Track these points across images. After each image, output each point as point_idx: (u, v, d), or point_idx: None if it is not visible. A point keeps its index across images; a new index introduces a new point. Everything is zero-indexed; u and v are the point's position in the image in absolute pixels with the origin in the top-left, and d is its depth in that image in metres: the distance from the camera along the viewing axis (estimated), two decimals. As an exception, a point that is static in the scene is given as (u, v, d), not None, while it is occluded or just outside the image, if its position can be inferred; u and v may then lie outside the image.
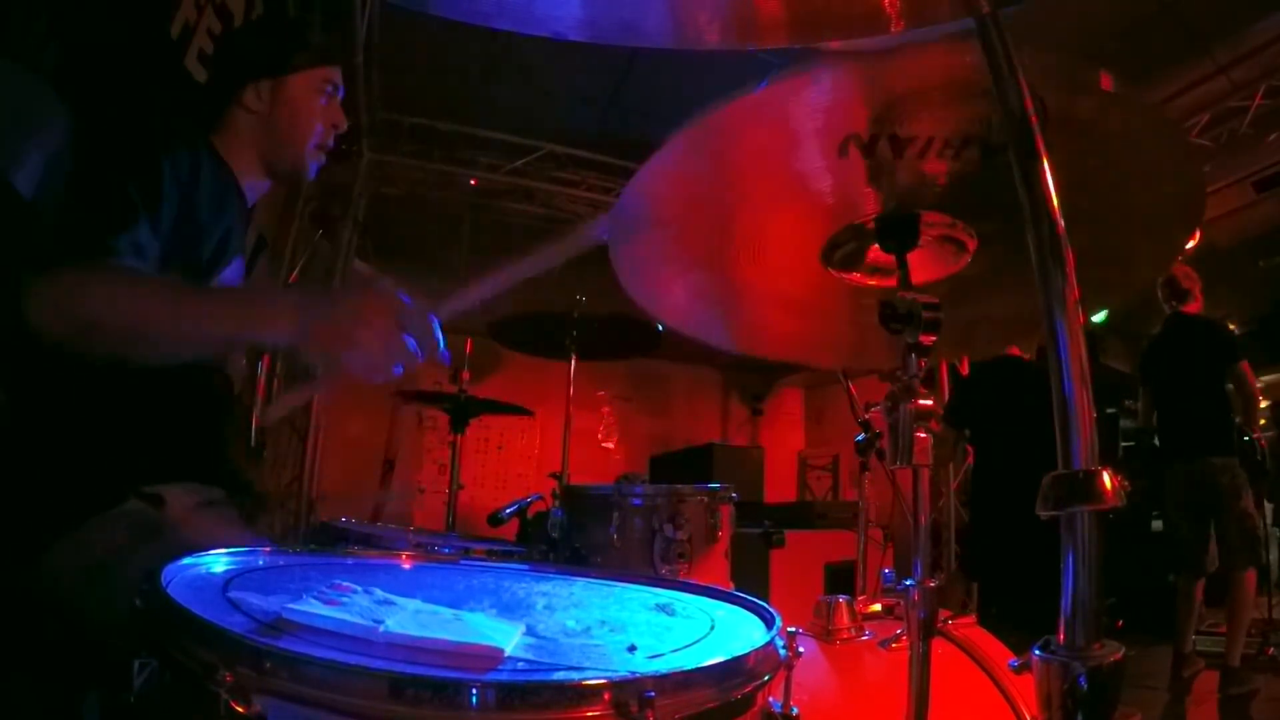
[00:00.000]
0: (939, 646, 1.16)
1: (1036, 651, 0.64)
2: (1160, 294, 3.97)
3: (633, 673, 0.55)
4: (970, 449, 4.63)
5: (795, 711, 0.69)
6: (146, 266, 1.12)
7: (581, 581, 0.97)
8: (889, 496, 1.15)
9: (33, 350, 1.05)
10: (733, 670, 0.60)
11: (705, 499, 1.58)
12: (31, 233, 1.48)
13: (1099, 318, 5.53)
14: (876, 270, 1.04)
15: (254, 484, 1.49)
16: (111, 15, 1.92)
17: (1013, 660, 1.12)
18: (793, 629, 0.72)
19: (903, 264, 0.96)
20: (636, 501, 1.56)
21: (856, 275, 1.05)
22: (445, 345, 1.07)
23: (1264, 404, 3.91)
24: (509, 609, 0.76)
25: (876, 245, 1.00)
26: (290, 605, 0.62)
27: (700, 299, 1.22)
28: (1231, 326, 4.24)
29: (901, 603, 0.86)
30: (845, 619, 1.19)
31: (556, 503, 1.74)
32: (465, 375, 3.08)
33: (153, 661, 0.57)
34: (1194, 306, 3.90)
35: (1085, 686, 0.61)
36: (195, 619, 0.56)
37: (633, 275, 1.12)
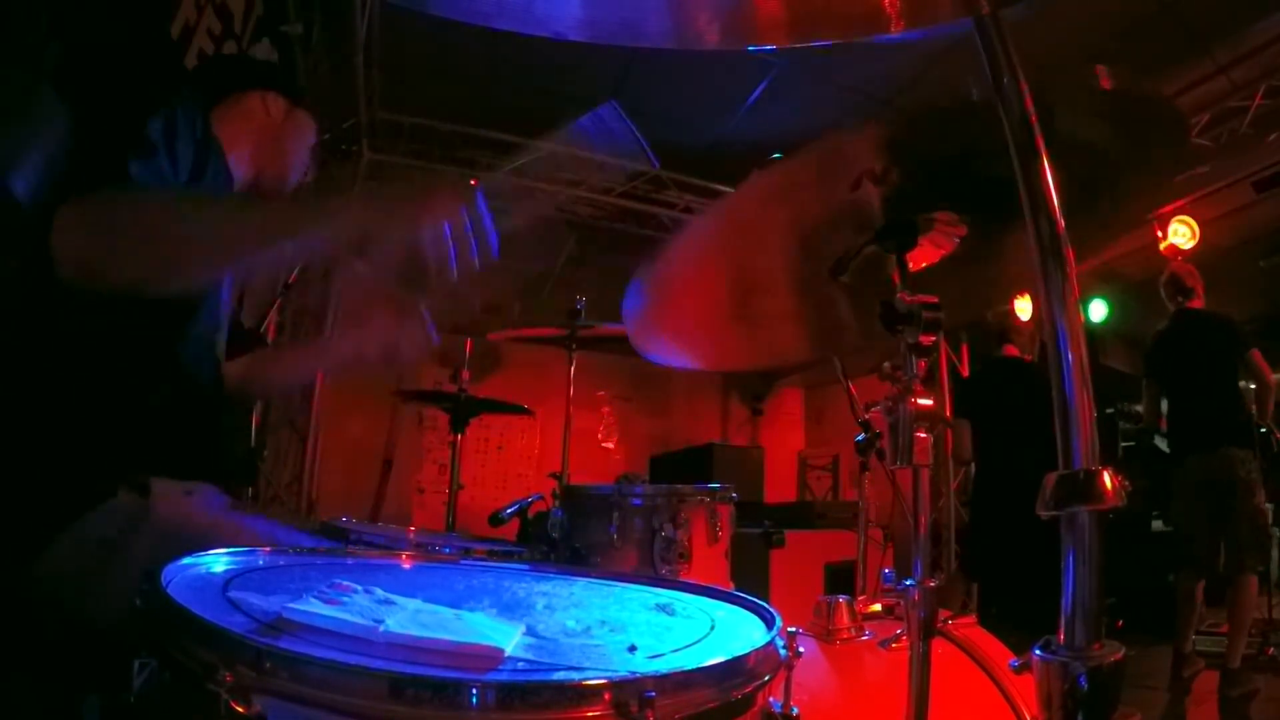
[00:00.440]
0: (939, 646, 1.16)
1: (1037, 651, 0.64)
2: (1164, 292, 3.97)
3: (633, 673, 0.55)
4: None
5: (795, 711, 0.69)
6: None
7: (582, 581, 0.97)
8: (889, 496, 1.15)
9: (23, 345, 1.04)
10: (733, 670, 0.60)
11: (705, 499, 1.58)
12: (23, 235, 1.48)
13: (1099, 317, 5.54)
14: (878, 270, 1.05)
15: (249, 481, 1.50)
16: (112, 15, 1.92)
17: (1013, 660, 1.12)
18: (793, 629, 0.72)
19: (902, 264, 0.97)
20: (636, 501, 1.55)
21: (871, 280, 1.07)
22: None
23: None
24: (509, 609, 0.76)
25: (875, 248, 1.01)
26: (290, 605, 0.62)
27: (715, 343, 1.30)
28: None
29: (901, 603, 0.86)
30: (845, 619, 1.19)
31: (556, 503, 1.74)
32: (465, 375, 3.08)
33: (153, 661, 0.57)
34: (1198, 304, 3.90)
35: (1085, 686, 0.61)
36: (195, 619, 0.56)
37: (654, 346, 1.22)
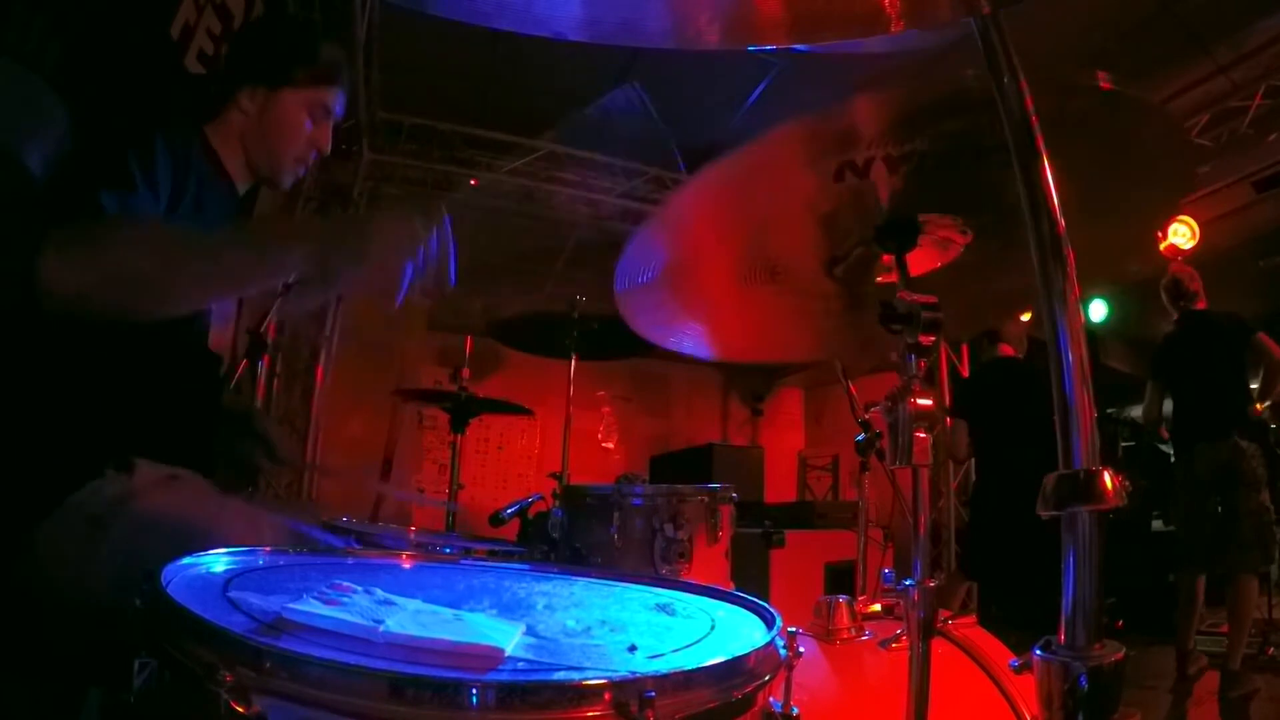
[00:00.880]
0: (939, 646, 1.16)
1: (1037, 651, 0.64)
2: (1165, 297, 3.97)
3: (633, 673, 0.55)
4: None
5: (795, 711, 0.69)
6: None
7: (582, 581, 0.97)
8: (889, 496, 1.15)
9: (12, 326, 1.05)
10: (733, 670, 0.60)
11: (705, 499, 1.58)
12: (36, 215, 1.49)
13: (1099, 317, 5.54)
14: (880, 270, 1.04)
15: (250, 483, 1.49)
16: (112, 15, 1.92)
17: (1013, 660, 1.12)
18: (793, 629, 0.72)
19: (902, 264, 0.97)
20: (636, 501, 1.55)
21: (862, 281, 1.06)
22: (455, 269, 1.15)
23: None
24: (509, 609, 0.76)
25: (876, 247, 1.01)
26: (290, 605, 0.62)
27: (707, 327, 1.26)
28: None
29: (901, 603, 0.86)
30: (845, 619, 1.19)
31: (557, 503, 1.74)
32: (465, 374, 3.08)
33: (153, 661, 0.57)
34: (1201, 304, 3.91)
35: (1086, 686, 0.61)
36: (195, 619, 0.56)
37: (642, 320, 1.19)
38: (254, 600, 0.65)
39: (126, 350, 1.16)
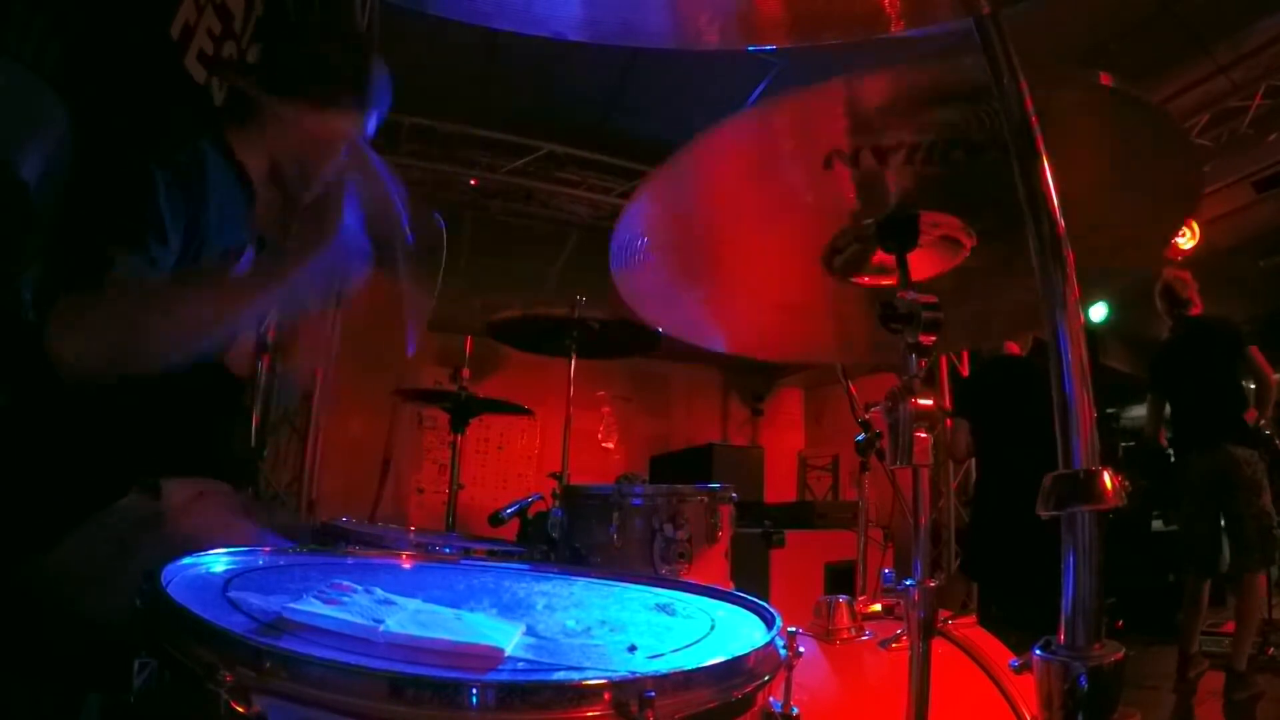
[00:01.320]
0: (939, 646, 1.16)
1: (1037, 651, 0.64)
2: (1160, 305, 3.98)
3: (633, 673, 0.55)
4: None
5: (795, 711, 0.69)
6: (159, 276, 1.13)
7: (582, 581, 0.97)
8: (889, 496, 1.15)
9: (32, 348, 1.05)
10: (733, 670, 0.60)
11: (705, 499, 1.58)
12: (31, 226, 1.48)
13: (1099, 317, 5.54)
14: (880, 271, 1.04)
15: (249, 482, 1.50)
16: (112, 15, 1.92)
17: (1013, 660, 1.12)
18: (793, 629, 0.72)
19: (903, 264, 0.96)
20: (636, 501, 1.55)
21: (861, 278, 1.05)
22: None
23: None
24: (509, 609, 0.76)
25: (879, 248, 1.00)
26: (290, 605, 0.62)
27: (702, 309, 1.23)
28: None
29: (901, 603, 0.86)
30: (845, 619, 1.19)
31: (556, 503, 1.74)
32: (465, 374, 3.08)
33: (153, 661, 0.57)
34: (1195, 311, 3.91)
35: (1086, 686, 0.61)
36: (195, 619, 0.56)
37: (635, 294, 1.15)
38: (254, 600, 0.65)
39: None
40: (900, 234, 0.97)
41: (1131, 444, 6.10)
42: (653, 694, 0.51)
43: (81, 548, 1.06)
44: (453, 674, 0.53)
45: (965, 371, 5.77)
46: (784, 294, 1.16)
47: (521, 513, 2.43)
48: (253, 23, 2.82)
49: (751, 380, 8.49)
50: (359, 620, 0.61)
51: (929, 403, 0.85)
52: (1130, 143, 0.87)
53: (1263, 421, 3.71)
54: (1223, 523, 3.66)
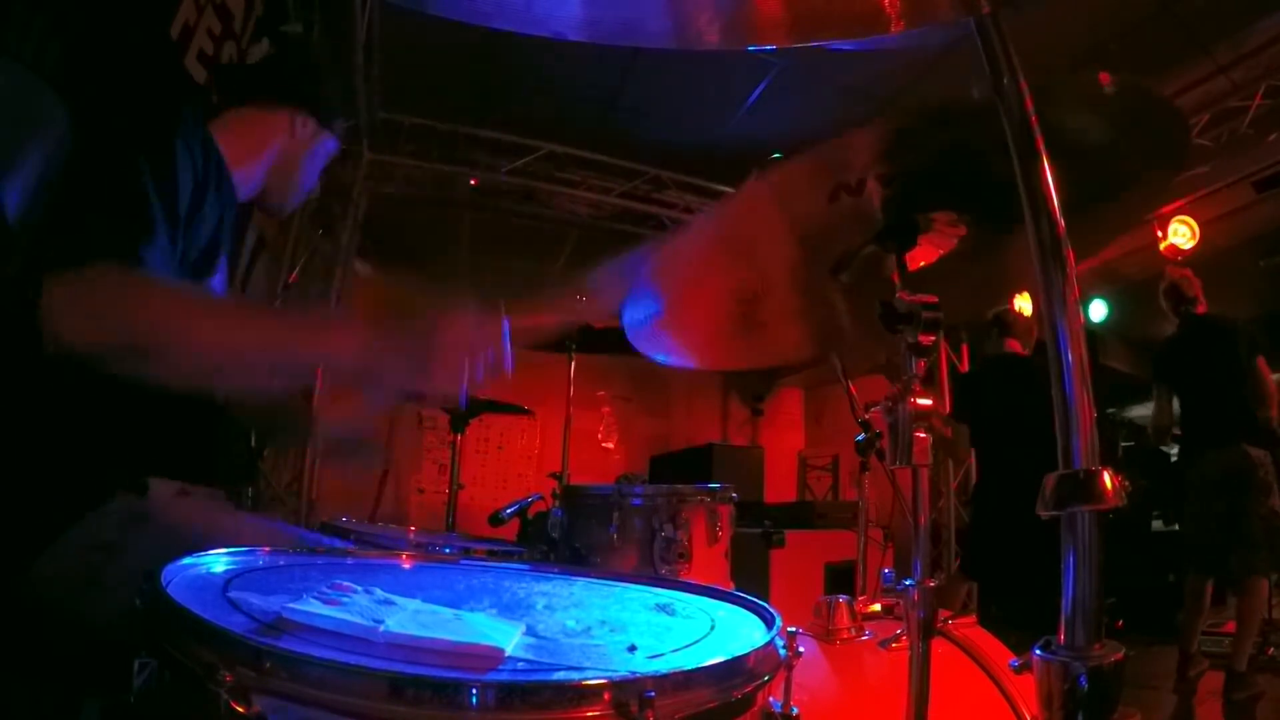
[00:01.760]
0: (939, 646, 1.16)
1: (1037, 651, 0.64)
2: (1165, 302, 3.96)
3: (633, 673, 0.55)
4: (971, 447, 4.63)
5: (795, 711, 0.69)
6: (170, 273, 1.10)
7: (581, 581, 0.97)
8: (889, 496, 1.15)
9: (18, 350, 1.03)
10: (733, 670, 0.60)
11: (705, 499, 1.58)
12: (11, 245, 1.46)
13: (1099, 317, 5.55)
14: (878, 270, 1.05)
15: (249, 481, 1.49)
16: (112, 15, 1.92)
17: (1013, 660, 1.12)
18: (793, 629, 0.72)
19: (902, 264, 0.97)
20: (636, 501, 1.55)
21: (870, 280, 1.07)
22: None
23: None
24: (509, 609, 0.76)
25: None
26: (290, 605, 0.62)
27: (714, 342, 1.30)
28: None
29: (901, 603, 0.86)
30: (845, 619, 1.19)
31: (556, 503, 1.74)
32: (465, 375, 3.07)
33: (153, 661, 0.57)
34: (1201, 309, 3.90)
35: (1086, 686, 0.61)
36: (195, 619, 0.56)
37: (650, 345, 1.22)
38: (254, 600, 0.65)
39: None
40: (900, 233, 0.97)
41: (1131, 444, 6.10)
42: (653, 694, 0.51)
43: (70, 550, 1.05)
44: (453, 674, 0.53)
45: (966, 371, 5.78)
46: (791, 307, 1.19)
47: (521, 513, 2.43)
48: (253, 22, 2.83)
49: (751, 380, 8.48)
50: (359, 620, 0.61)
51: (929, 403, 0.85)
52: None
53: (1274, 414, 3.70)
54: (1233, 520, 3.64)
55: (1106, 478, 0.63)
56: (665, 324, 1.21)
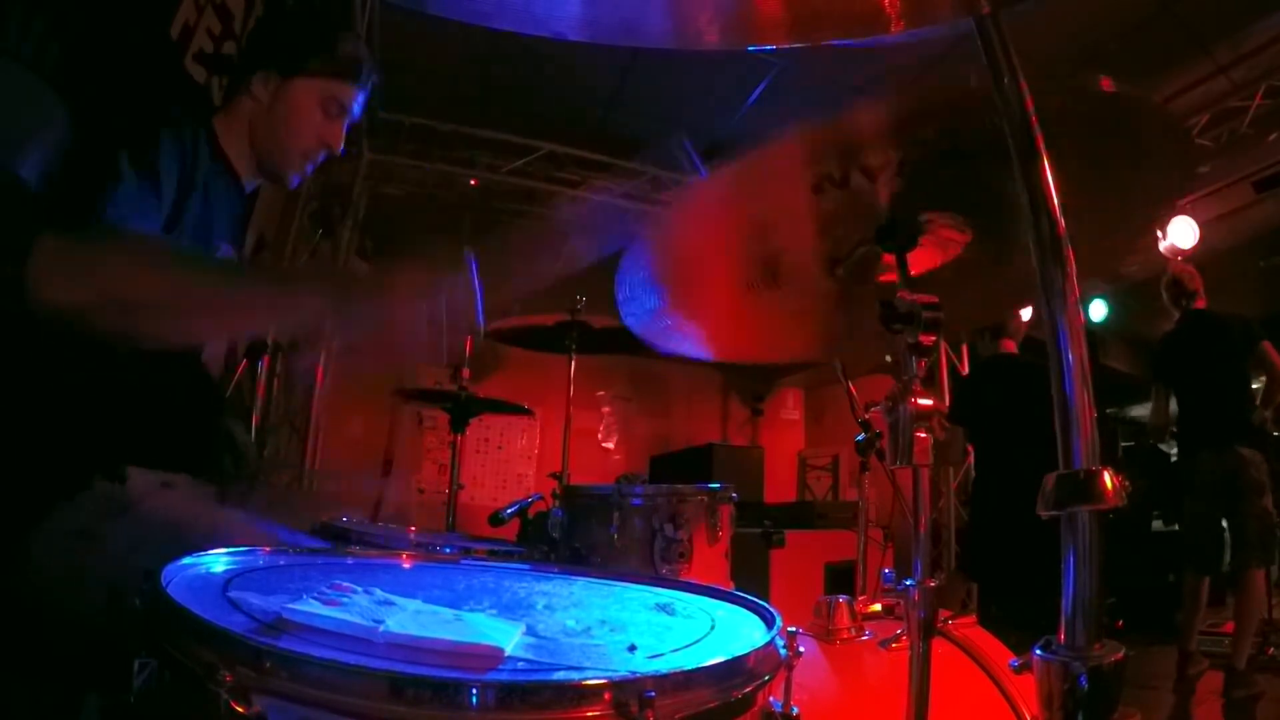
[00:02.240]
0: (939, 646, 1.16)
1: (1037, 651, 0.64)
2: (1166, 296, 3.96)
3: (633, 673, 0.55)
4: (970, 448, 4.63)
5: (795, 711, 0.69)
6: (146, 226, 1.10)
7: (582, 581, 0.97)
8: (889, 496, 1.15)
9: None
10: (733, 670, 0.60)
11: (705, 499, 1.58)
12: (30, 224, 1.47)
13: (1099, 317, 5.55)
14: (881, 269, 1.04)
15: (238, 472, 1.48)
16: (112, 15, 1.92)
17: (1013, 660, 1.12)
18: (793, 629, 0.72)
19: (903, 264, 0.97)
20: (636, 501, 1.55)
21: (866, 279, 1.06)
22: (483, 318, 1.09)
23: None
24: (509, 609, 0.76)
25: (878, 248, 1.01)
26: (290, 605, 0.62)
27: (706, 331, 1.27)
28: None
29: (901, 603, 0.86)
30: (845, 619, 1.19)
31: (557, 503, 1.74)
32: (465, 374, 3.08)
33: (153, 661, 0.57)
34: (1202, 302, 3.90)
35: (1086, 686, 0.61)
36: (195, 619, 0.56)
37: (642, 326, 1.19)
38: (254, 600, 0.65)
39: (112, 358, 1.13)
40: (901, 234, 0.97)
41: (1132, 444, 6.10)
42: (653, 694, 0.51)
43: (46, 539, 1.04)
44: (453, 674, 0.53)
45: (965, 370, 5.78)
46: (787, 303, 1.18)
47: (521, 513, 2.43)
48: (253, 22, 2.83)
49: (751, 380, 8.48)
50: (359, 620, 0.61)
51: (929, 403, 0.85)
52: (1109, 142, 0.87)
53: (1268, 414, 3.70)
54: (1225, 522, 3.66)
55: (1106, 478, 0.63)
56: (668, 295, 1.16)
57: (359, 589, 0.70)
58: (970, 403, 4.29)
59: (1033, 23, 3.24)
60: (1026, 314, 4.26)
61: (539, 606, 0.78)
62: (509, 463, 6.87)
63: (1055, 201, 0.69)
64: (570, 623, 0.71)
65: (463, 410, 3.06)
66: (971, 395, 4.41)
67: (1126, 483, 0.64)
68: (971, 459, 5.23)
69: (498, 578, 0.95)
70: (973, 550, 4.58)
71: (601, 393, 6.25)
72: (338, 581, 0.71)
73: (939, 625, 1.06)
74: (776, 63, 4.28)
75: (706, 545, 1.56)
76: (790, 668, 0.70)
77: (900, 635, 1.13)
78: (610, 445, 5.70)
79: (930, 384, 0.87)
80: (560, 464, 2.66)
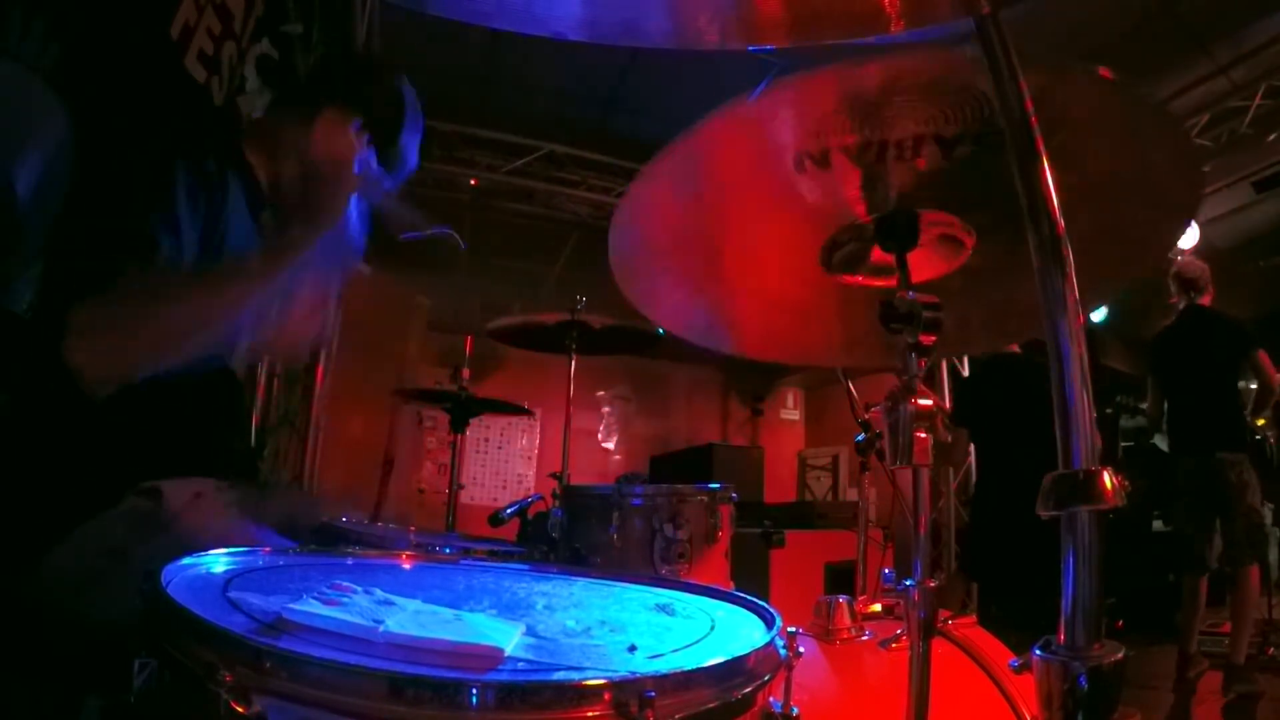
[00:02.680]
0: (939, 646, 1.16)
1: (1037, 651, 0.64)
2: (1173, 285, 3.94)
3: (633, 673, 0.55)
4: (970, 448, 4.63)
5: (795, 711, 0.69)
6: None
7: (581, 581, 0.97)
8: (889, 496, 1.15)
9: (31, 349, 1.04)
10: (733, 670, 0.60)
11: (705, 499, 1.58)
12: (20, 230, 1.47)
13: (1099, 317, 5.54)
14: (879, 271, 1.04)
15: (255, 475, 1.49)
16: (112, 16, 1.92)
17: (1013, 660, 1.12)
18: (793, 629, 0.72)
19: (903, 263, 0.96)
20: (636, 501, 1.56)
21: (858, 277, 1.05)
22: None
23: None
24: (509, 609, 0.76)
25: (877, 246, 1.00)
26: (290, 605, 0.62)
27: (700, 305, 1.23)
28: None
29: (901, 603, 0.85)
30: (845, 619, 1.19)
31: (557, 503, 1.74)
32: (466, 374, 3.08)
33: (153, 661, 0.57)
34: (1207, 298, 3.89)
35: (1085, 686, 0.61)
36: (195, 619, 0.56)
37: (633, 285, 1.15)
38: (254, 600, 0.65)
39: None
40: (899, 233, 0.97)
41: (1131, 444, 6.10)
42: (653, 694, 0.51)
43: (79, 551, 1.05)
44: (453, 674, 0.53)
45: (965, 372, 5.77)
46: (782, 292, 1.16)
47: (521, 513, 2.43)
48: (253, 22, 2.82)
49: (751, 380, 8.49)
50: (359, 620, 0.61)
51: (929, 402, 0.85)
52: (1133, 145, 0.86)
53: (1261, 422, 3.72)
54: (1218, 522, 3.68)
55: (1106, 478, 0.63)
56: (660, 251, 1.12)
57: (359, 589, 0.70)
58: (972, 402, 4.30)
59: (1033, 23, 3.24)
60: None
61: (539, 607, 0.78)
62: (509, 463, 6.88)
63: (1055, 202, 0.68)
64: (570, 623, 0.71)
65: (463, 410, 3.06)
66: (973, 394, 4.41)
67: (1126, 483, 0.64)
68: (972, 459, 5.24)
69: (497, 578, 0.95)
70: (973, 550, 4.58)
71: (601, 393, 6.25)
72: (338, 581, 0.71)
73: (939, 625, 1.06)
74: (776, 63, 4.27)
75: (706, 545, 1.56)
76: (790, 668, 0.70)
77: (900, 635, 1.13)
78: (610, 445, 5.70)
79: (930, 384, 0.87)
80: (560, 464, 2.66)
